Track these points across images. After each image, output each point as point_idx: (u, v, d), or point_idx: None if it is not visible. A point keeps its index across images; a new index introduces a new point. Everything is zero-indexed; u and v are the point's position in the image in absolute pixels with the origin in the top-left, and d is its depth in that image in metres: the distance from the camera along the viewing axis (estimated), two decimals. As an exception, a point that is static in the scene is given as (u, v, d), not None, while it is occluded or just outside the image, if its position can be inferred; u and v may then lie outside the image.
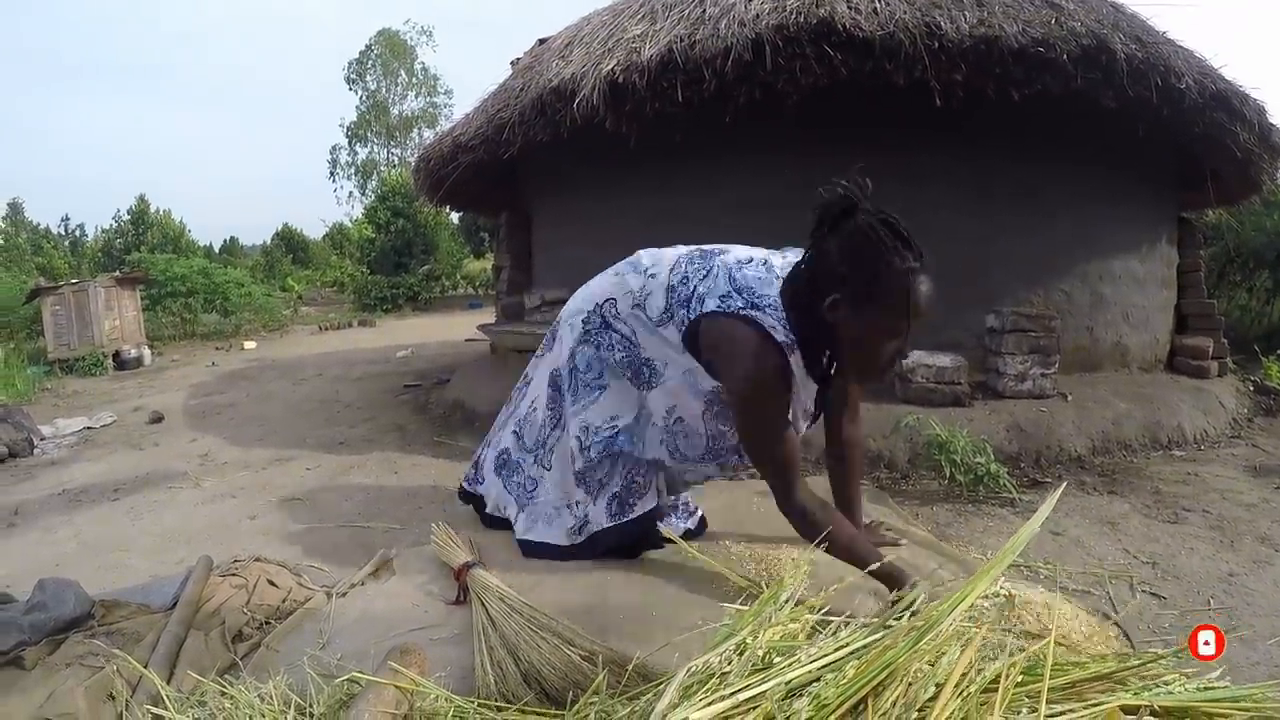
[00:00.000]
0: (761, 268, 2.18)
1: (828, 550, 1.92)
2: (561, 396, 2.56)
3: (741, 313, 2.08)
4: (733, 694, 0.98)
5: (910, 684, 0.96)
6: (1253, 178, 5.75)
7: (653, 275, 2.35)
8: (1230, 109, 4.60)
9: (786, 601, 1.32)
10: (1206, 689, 1.20)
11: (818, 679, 1.02)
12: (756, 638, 1.18)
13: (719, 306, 2.12)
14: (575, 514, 2.53)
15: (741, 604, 1.47)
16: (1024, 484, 3.54)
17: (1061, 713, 1.04)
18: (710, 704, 0.97)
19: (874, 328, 1.92)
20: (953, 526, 3.06)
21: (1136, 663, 1.22)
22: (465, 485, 2.98)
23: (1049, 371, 4.26)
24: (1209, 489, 3.54)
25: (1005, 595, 1.45)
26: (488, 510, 2.85)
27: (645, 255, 2.46)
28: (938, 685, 0.96)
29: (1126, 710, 1.11)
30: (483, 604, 2.05)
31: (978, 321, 4.46)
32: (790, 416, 2.17)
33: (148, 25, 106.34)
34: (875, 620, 1.24)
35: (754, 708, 0.97)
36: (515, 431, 2.75)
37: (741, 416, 2.17)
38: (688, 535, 2.62)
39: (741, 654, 1.15)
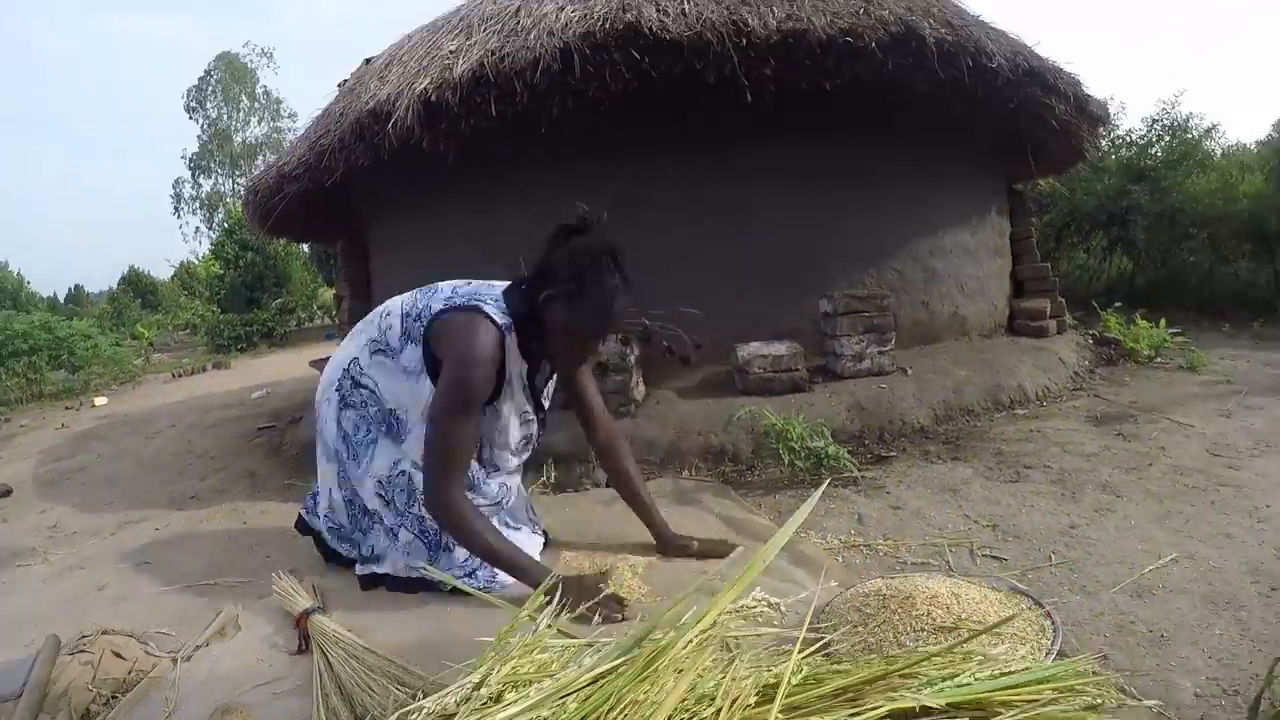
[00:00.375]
0: (479, 284, 2.53)
1: (489, 559, 2.28)
2: (345, 468, 2.65)
3: (464, 305, 2.37)
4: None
5: (626, 717, 0.93)
6: (1075, 147, 6.07)
7: (389, 313, 2.58)
8: (1044, 84, 4.81)
9: (533, 629, 1.29)
10: (1001, 675, 1.19)
11: (539, 716, 0.98)
12: (494, 672, 1.14)
13: (445, 305, 2.40)
14: (404, 555, 2.57)
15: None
16: (867, 461, 3.59)
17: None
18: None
19: (574, 324, 2.33)
20: (795, 512, 3.07)
21: (904, 663, 1.19)
22: (304, 514, 2.99)
23: (886, 348, 4.34)
24: (1050, 444, 3.67)
25: (768, 604, 1.45)
26: (330, 546, 2.85)
27: (379, 308, 2.68)
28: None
29: (904, 714, 1.09)
30: (322, 651, 2.02)
31: (812, 308, 4.53)
32: (497, 404, 2.47)
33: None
34: (619, 645, 1.21)
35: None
36: (332, 528, 2.81)
37: (443, 385, 2.32)
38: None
39: (477, 690, 1.11)
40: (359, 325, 2.72)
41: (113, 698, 2.13)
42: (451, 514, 2.28)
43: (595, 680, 1.02)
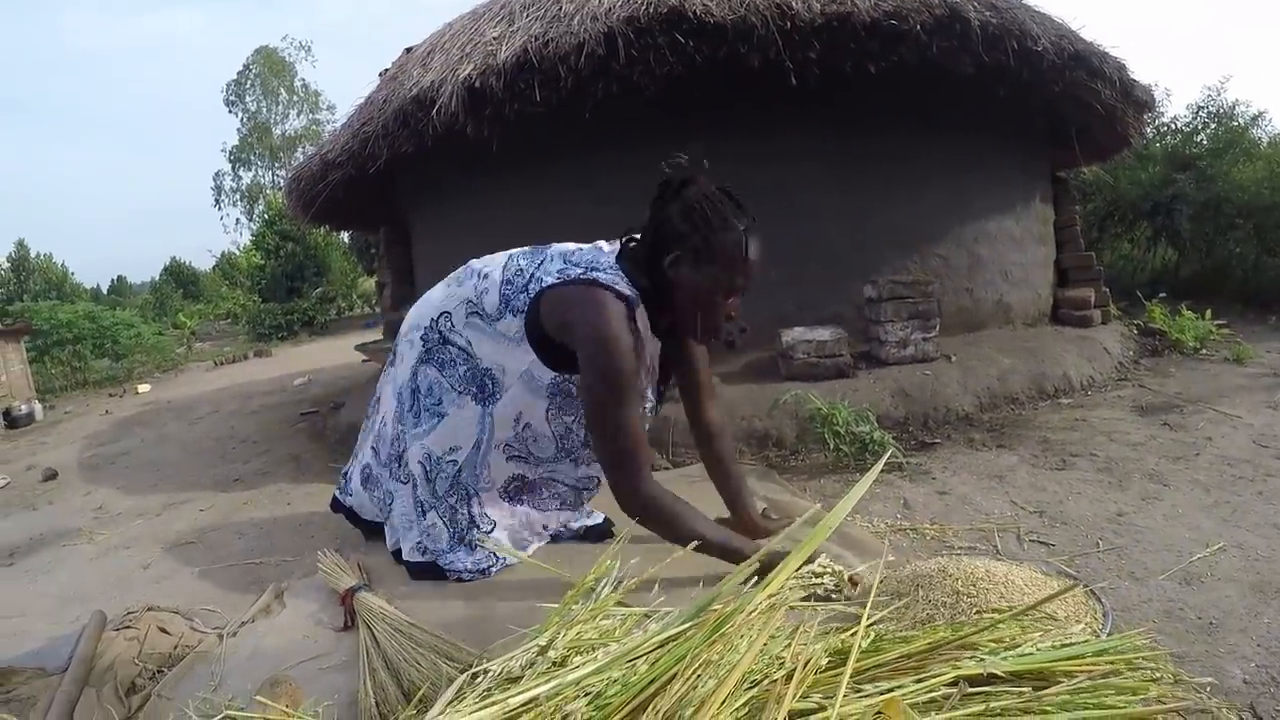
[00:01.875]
0: (590, 249, 2.32)
1: (699, 548, 1.94)
2: (404, 416, 2.55)
3: (582, 277, 2.16)
4: (505, 699, 0.95)
5: (699, 677, 0.93)
6: (1120, 133, 5.98)
7: (486, 276, 2.39)
8: (1090, 68, 4.74)
9: (595, 596, 1.30)
10: (1063, 646, 1.20)
11: (609, 677, 0.99)
12: (550, 642, 1.15)
13: (558, 279, 2.20)
14: (423, 534, 2.53)
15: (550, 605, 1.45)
16: (912, 447, 3.59)
17: (890, 689, 1.02)
18: (476, 711, 0.94)
19: (711, 281, 2.13)
20: (840, 497, 3.02)
21: (969, 631, 1.20)
22: (337, 495, 2.99)
23: (930, 335, 4.31)
24: (1096, 432, 3.62)
25: (832, 573, 1.44)
26: (365, 519, 2.89)
27: (476, 262, 2.50)
28: (718, 684, 0.94)
29: (972, 679, 1.09)
30: (368, 627, 2.04)
31: (857, 293, 4.51)
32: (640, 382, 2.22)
33: (9, 57, 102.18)
34: (683, 613, 1.22)
35: (529, 711, 0.94)
36: (373, 447, 2.75)
37: (591, 375, 2.13)
38: (589, 532, 2.75)
39: (543, 654, 1.13)
40: (450, 277, 2.56)
41: (158, 672, 2.17)
42: (651, 508, 2.12)
43: (663, 644, 1.03)
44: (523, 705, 0.94)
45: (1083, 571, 2.21)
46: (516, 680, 1.06)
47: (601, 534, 2.75)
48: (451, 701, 1.03)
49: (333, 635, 2.21)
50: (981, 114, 4.98)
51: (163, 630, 2.35)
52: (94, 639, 2.29)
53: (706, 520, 2.16)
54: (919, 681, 1.05)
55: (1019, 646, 1.21)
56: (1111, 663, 1.18)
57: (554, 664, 1.09)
